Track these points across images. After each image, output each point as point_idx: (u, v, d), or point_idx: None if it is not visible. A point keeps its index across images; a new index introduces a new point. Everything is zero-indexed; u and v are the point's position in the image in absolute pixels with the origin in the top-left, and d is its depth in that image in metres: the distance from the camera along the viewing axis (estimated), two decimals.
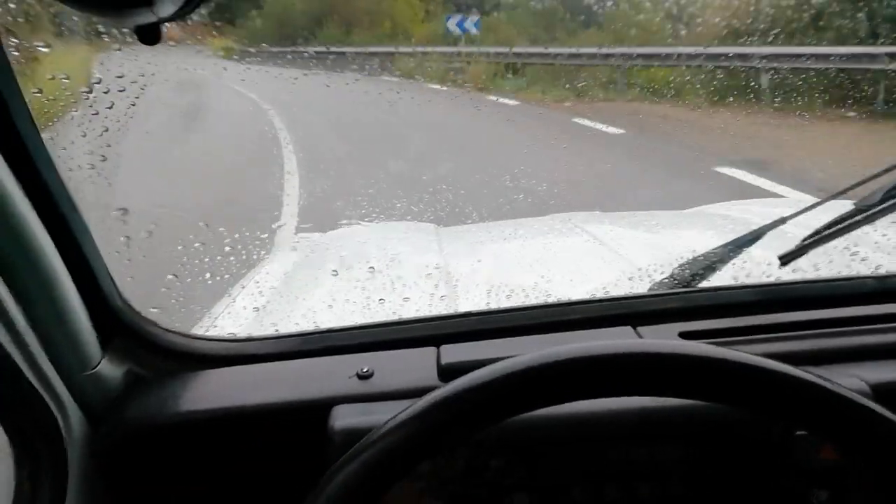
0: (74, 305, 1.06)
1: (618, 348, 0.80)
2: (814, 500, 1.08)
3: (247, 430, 1.17)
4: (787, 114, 9.45)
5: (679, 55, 11.41)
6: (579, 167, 7.75)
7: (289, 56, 16.28)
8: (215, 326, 1.79)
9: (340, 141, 10.52)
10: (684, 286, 1.43)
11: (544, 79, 13.98)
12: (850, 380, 1.10)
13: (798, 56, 10.23)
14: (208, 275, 2.46)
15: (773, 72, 10.05)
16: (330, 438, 1.07)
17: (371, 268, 1.95)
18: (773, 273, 1.45)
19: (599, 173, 7.76)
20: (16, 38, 1.05)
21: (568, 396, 0.80)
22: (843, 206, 1.42)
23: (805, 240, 1.39)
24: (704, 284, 1.44)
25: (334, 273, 2.02)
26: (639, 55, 12.65)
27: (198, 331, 1.66)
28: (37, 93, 1.30)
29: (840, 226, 1.37)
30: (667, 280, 1.47)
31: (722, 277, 1.46)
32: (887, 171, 1.43)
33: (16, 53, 0.97)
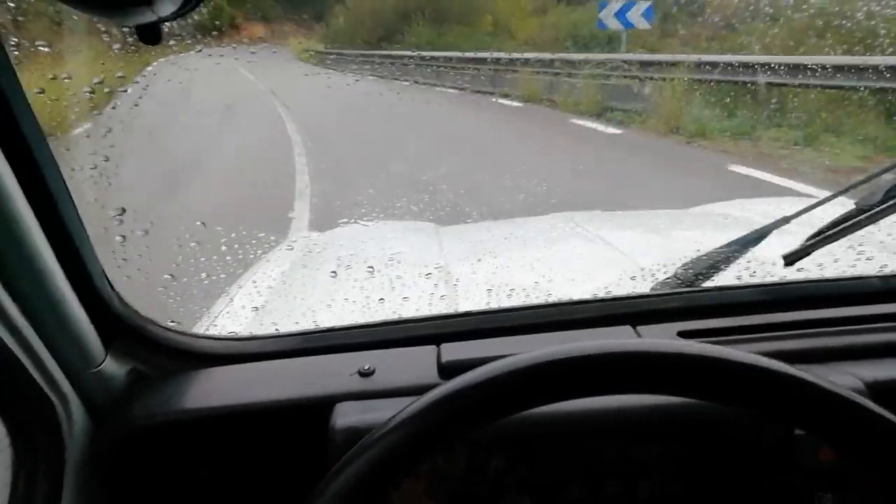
0: (72, 305, 1.06)
1: (615, 347, 0.80)
2: (816, 501, 1.08)
3: (249, 427, 1.17)
4: None
5: None
6: None
7: (376, 62, 15.72)
8: (215, 326, 1.79)
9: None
10: (687, 286, 1.43)
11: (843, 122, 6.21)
12: (846, 377, 1.10)
13: None
14: (204, 274, 2.45)
15: None
16: (332, 436, 1.07)
17: (370, 268, 1.95)
18: (777, 272, 1.45)
19: None
20: (16, 37, 1.05)
21: (567, 394, 0.81)
22: (845, 204, 1.42)
23: (809, 239, 1.39)
24: (708, 284, 1.43)
25: (333, 274, 2.01)
26: None
27: (198, 330, 1.65)
28: (39, 93, 1.29)
29: (843, 225, 1.37)
30: (669, 280, 1.47)
31: (725, 277, 1.46)
32: (887, 170, 1.43)
33: (16, 53, 0.97)
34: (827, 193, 1.52)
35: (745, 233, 1.53)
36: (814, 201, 1.54)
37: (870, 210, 1.35)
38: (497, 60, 13.94)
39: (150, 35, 0.77)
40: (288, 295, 2.02)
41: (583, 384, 0.80)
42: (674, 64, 9.27)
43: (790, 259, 1.39)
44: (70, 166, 1.19)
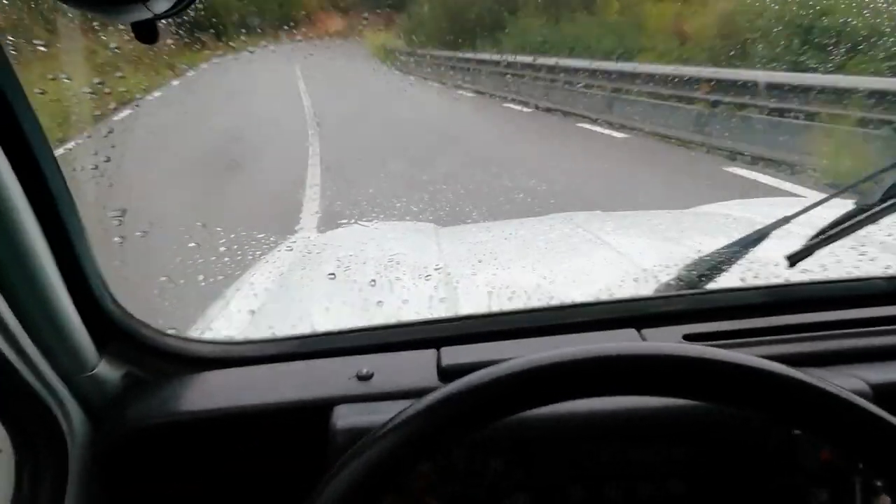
0: (65, 308, 1.06)
1: (615, 351, 0.80)
2: (814, 501, 1.07)
3: (246, 430, 1.17)
4: None
5: None
6: None
7: (470, 68, 11.77)
8: (211, 329, 1.78)
9: None
10: (691, 288, 1.42)
11: None
12: (851, 380, 1.10)
13: None
14: (201, 276, 2.44)
15: None
16: (331, 438, 1.07)
17: (373, 281, 1.92)
18: (780, 274, 1.44)
19: None
20: (14, 36, 1.04)
21: (568, 397, 0.81)
22: (845, 204, 1.41)
23: (811, 239, 1.39)
24: (711, 286, 1.43)
25: (331, 276, 2.00)
26: None
27: (193, 334, 1.64)
28: (39, 93, 1.28)
29: (844, 225, 1.36)
30: (673, 282, 1.46)
31: (729, 278, 1.45)
32: (886, 169, 1.43)
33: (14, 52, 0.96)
34: None
35: (745, 233, 1.52)
36: (812, 201, 1.54)
37: (869, 209, 1.35)
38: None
39: (146, 33, 0.76)
40: (286, 297, 2.01)
41: (582, 387, 0.81)
42: None
43: (793, 259, 1.39)
44: (72, 167, 1.19)
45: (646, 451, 1.09)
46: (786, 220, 1.53)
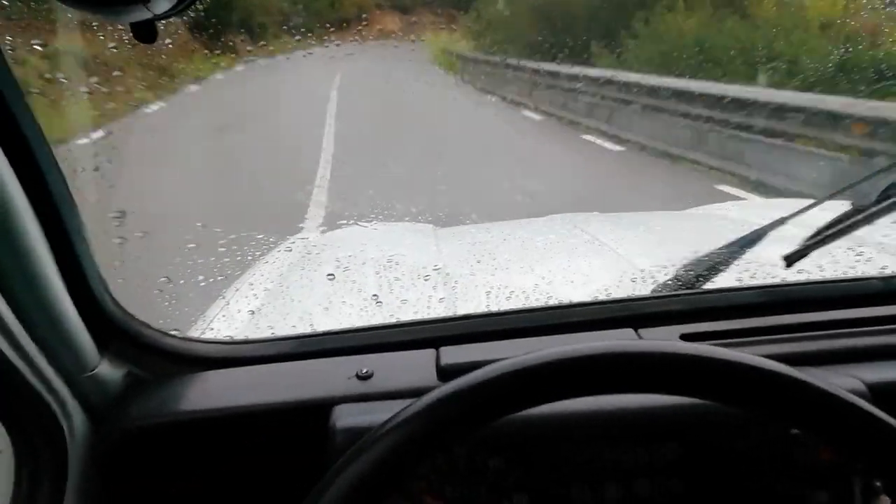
0: (66, 309, 1.06)
1: (614, 348, 0.80)
2: (813, 501, 1.07)
3: (247, 429, 1.17)
4: None
5: None
6: None
7: (562, 86, 8.50)
8: (211, 329, 1.78)
9: None
10: (688, 288, 1.43)
11: None
12: (848, 380, 1.10)
13: None
14: (201, 277, 2.44)
15: None
16: (331, 438, 1.07)
17: (375, 296, 1.91)
18: (777, 274, 1.45)
19: None
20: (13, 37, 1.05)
21: (564, 395, 0.81)
22: (841, 206, 1.42)
23: (808, 240, 1.39)
24: (708, 286, 1.43)
25: (330, 277, 2.00)
26: None
27: (193, 333, 1.65)
28: (37, 92, 1.29)
29: (840, 226, 1.37)
30: (670, 282, 1.46)
31: (726, 279, 1.45)
32: (882, 171, 1.43)
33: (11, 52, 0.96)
34: None
35: (742, 234, 1.53)
36: (809, 202, 1.54)
37: (865, 210, 1.36)
38: None
39: (146, 33, 0.76)
40: (285, 297, 2.01)
41: (582, 385, 0.81)
42: None
43: (790, 260, 1.39)
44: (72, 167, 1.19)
45: (645, 450, 1.09)
46: (782, 221, 1.53)
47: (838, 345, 1.23)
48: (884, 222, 1.42)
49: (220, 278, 2.35)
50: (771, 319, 1.29)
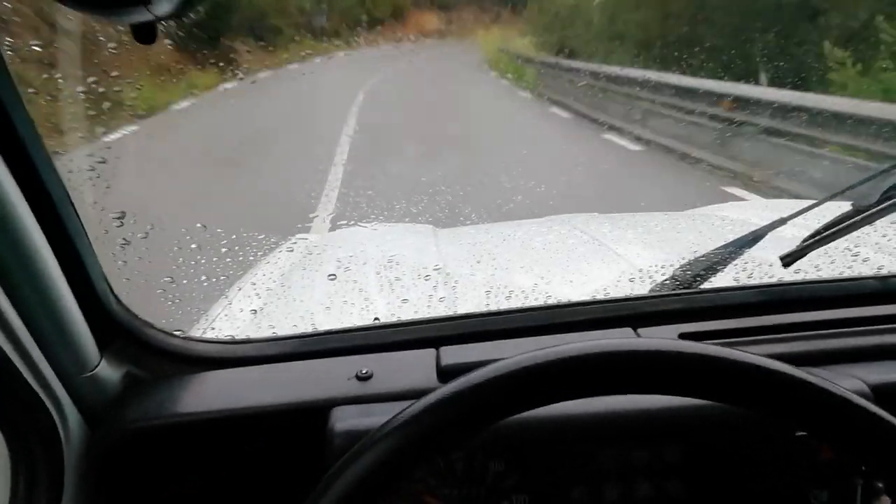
0: (70, 308, 1.06)
1: (613, 346, 0.80)
2: (814, 501, 1.08)
3: (245, 431, 1.17)
4: None
5: None
6: None
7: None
8: (213, 328, 1.79)
9: None
10: (685, 287, 1.43)
11: None
12: (850, 380, 1.10)
13: None
14: (204, 277, 2.44)
15: None
16: (329, 440, 1.07)
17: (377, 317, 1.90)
18: (775, 274, 1.45)
19: None
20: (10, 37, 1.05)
21: (564, 395, 0.80)
22: (842, 206, 1.42)
23: (806, 240, 1.39)
24: (706, 286, 1.43)
25: (332, 277, 2.01)
26: None
27: (195, 333, 1.65)
28: (35, 92, 1.29)
29: (840, 226, 1.37)
30: (668, 281, 1.46)
31: (723, 278, 1.46)
32: (884, 171, 1.43)
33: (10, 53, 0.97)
34: None
35: (741, 234, 1.53)
36: (810, 202, 1.54)
37: (866, 211, 1.35)
38: None
39: (146, 35, 0.77)
40: (286, 297, 2.02)
41: (582, 385, 0.80)
42: None
43: (787, 260, 1.39)
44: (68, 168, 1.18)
45: (645, 451, 1.09)
46: (782, 221, 1.53)
47: (836, 344, 1.23)
48: (883, 223, 1.42)
49: (222, 278, 2.36)
50: (768, 319, 1.29)
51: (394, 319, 1.46)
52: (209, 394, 1.22)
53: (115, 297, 1.20)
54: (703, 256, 1.49)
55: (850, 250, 1.67)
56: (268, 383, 1.23)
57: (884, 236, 1.78)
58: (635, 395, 0.82)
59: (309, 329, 1.42)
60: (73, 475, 1.07)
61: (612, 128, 6.64)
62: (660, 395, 0.82)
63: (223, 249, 2.69)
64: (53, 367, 1.04)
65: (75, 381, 1.09)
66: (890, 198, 1.34)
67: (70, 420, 1.08)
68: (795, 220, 1.52)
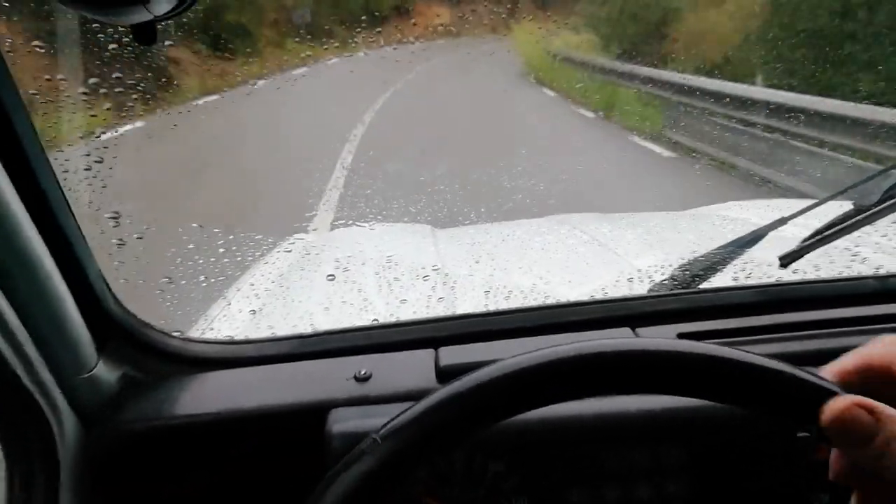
0: (68, 308, 1.06)
1: (613, 346, 0.79)
2: (815, 501, 1.08)
3: (243, 433, 1.17)
4: None
5: None
6: None
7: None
8: (211, 329, 1.79)
9: None
10: (684, 287, 1.43)
11: None
12: None
13: None
14: (202, 277, 2.44)
15: None
16: (328, 442, 1.06)
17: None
18: (773, 274, 1.45)
19: None
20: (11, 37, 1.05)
21: (565, 396, 0.80)
22: (842, 206, 1.42)
23: (805, 240, 1.40)
24: (705, 285, 1.43)
25: (330, 278, 2.01)
26: None
27: (194, 333, 1.65)
28: (35, 93, 1.29)
29: (840, 226, 1.37)
30: (666, 281, 1.46)
31: (722, 278, 1.46)
32: (884, 171, 1.43)
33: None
34: None
35: (741, 234, 1.53)
36: (811, 202, 1.54)
37: (867, 211, 1.35)
38: None
39: (146, 34, 0.77)
40: (285, 298, 2.02)
41: (582, 385, 0.80)
42: None
43: (786, 260, 1.39)
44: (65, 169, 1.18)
45: (645, 452, 1.09)
46: (782, 221, 1.54)
47: (835, 344, 1.23)
48: (883, 223, 1.42)
49: (221, 279, 2.35)
50: (768, 318, 1.29)
51: (392, 320, 1.46)
52: (207, 395, 1.21)
53: (114, 297, 1.19)
54: (702, 256, 1.49)
55: (850, 250, 1.67)
56: (266, 384, 1.22)
57: (883, 236, 1.79)
58: (635, 395, 0.82)
59: (307, 329, 1.42)
60: (70, 476, 1.07)
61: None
62: (660, 395, 0.82)
63: (221, 250, 2.69)
64: (51, 367, 1.03)
65: (73, 382, 1.09)
66: (890, 197, 1.34)
67: (66, 421, 1.08)
68: (795, 220, 1.52)
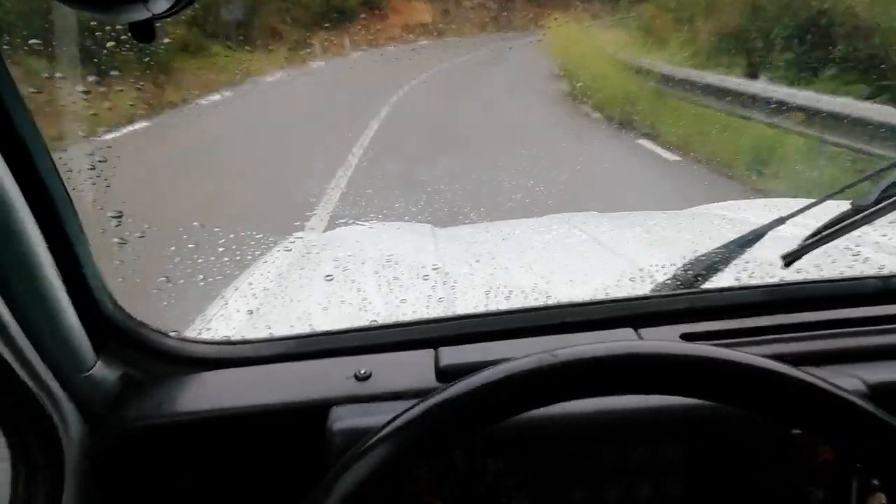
0: (65, 309, 1.06)
1: (613, 350, 0.80)
2: (811, 500, 1.08)
3: (243, 431, 1.17)
4: None
5: None
6: None
7: None
8: (208, 329, 1.78)
9: None
10: (687, 287, 1.43)
11: None
12: (849, 380, 1.10)
13: None
14: (201, 276, 2.44)
15: None
16: (329, 439, 1.07)
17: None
18: (776, 273, 1.45)
19: None
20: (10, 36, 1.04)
21: (566, 397, 0.80)
22: (840, 205, 1.42)
23: (806, 239, 1.40)
24: (707, 285, 1.43)
25: (329, 278, 2.00)
26: None
27: (191, 333, 1.65)
28: (36, 92, 1.28)
29: (839, 225, 1.37)
30: (669, 281, 1.46)
31: (724, 278, 1.46)
32: (882, 170, 1.43)
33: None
34: None
35: (741, 233, 1.53)
36: (808, 202, 1.54)
37: (865, 210, 1.36)
38: None
39: (144, 33, 0.76)
40: (284, 297, 2.01)
41: (585, 386, 0.80)
42: None
43: (788, 259, 1.39)
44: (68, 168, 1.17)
45: (645, 451, 1.09)
46: (781, 220, 1.53)
47: (837, 344, 1.23)
48: (882, 222, 1.42)
49: (219, 278, 2.35)
50: (770, 319, 1.29)
51: (392, 320, 1.46)
52: (208, 393, 1.21)
53: (111, 297, 1.19)
54: (703, 256, 1.49)
55: (851, 249, 1.67)
56: (266, 383, 1.22)
57: (883, 235, 1.78)
58: (636, 395, 0.82)
59: (306, 330, 1.41)
60: (73, 474, 1.07)
61: None
62: (659, 396, 0.83)
63: (220, 249, 2.69)
64: (50, 367, 1.03)
65: (73, 381, 1.09)
66: (889, 196, 1.34)
67: (69, 419, 1.08)
68: (795, 219, 1.52)
